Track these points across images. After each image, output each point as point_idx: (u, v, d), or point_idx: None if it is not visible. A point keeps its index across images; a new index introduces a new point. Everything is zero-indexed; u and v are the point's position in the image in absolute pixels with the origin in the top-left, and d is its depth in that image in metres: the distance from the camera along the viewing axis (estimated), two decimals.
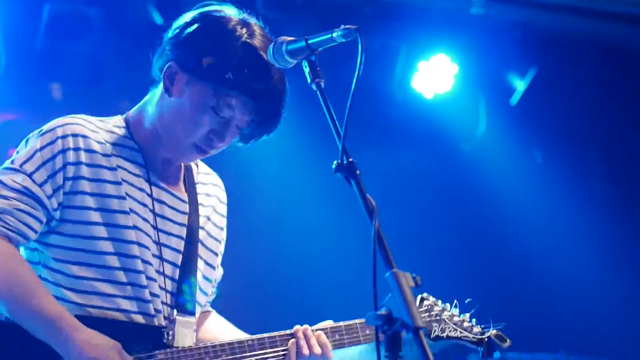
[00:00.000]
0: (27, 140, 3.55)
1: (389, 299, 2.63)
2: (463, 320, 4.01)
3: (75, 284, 3.45)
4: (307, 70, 3.14)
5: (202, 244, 3.74)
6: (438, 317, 3.94)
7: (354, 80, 2.91)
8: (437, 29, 8.36)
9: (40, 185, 3.41)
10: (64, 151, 3.46)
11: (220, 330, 3.91)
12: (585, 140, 9.12)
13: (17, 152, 3.53)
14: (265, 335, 3.67)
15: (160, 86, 3.60)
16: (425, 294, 3.96)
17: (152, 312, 3.51)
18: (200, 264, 3.72)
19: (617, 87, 8.94)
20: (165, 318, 3.54)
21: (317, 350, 3.71)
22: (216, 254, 3.83)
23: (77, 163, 3.46)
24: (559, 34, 8.67)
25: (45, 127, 3.53)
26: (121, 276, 3.47)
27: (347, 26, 3.06)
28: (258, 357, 3.61)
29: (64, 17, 7.38)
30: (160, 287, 3.54)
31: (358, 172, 2.89)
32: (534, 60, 8.67)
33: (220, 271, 3.94)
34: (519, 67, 8.74)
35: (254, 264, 8.12)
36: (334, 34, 3.09)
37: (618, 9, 8.57)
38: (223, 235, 3.90)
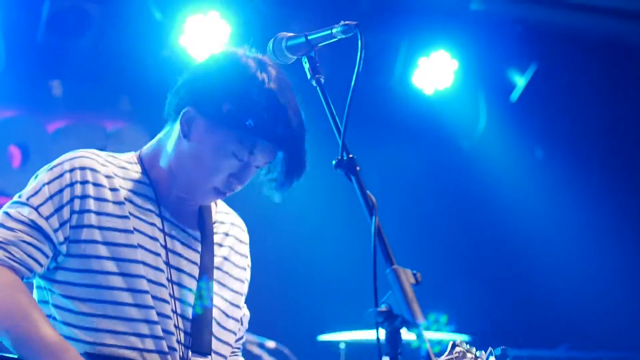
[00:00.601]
0: (36, 175, 3.50)
1: (389, 295, 2.63)
2: None
3: (85, 321, 3.37)
4: (306, 66, 3.13)
5: (221, 284, 3.64)
6: None
7: (354, 77, 2.91)
8: (437, 25, 8.37)
9: (47, 219, 3.36)
10: (71, 184, 3.41)
11: None
12: (585, 137, 9.12)
13: (26, 186, 3.48)
14: None
15: (177, 128, 3.52)
16: (458, 341, 3.77)
17: (166, 349, 3.42)
18: (222, 303, 3.63)
19: (617, 83, 8.95)
20: (180, 358, 3.46)
21: None
22: (240, 294, 3.74)
23: (84, 196, 3.40)
24: (559, 30, 8.67)
25: (55, 162, 3.48)
26: (132, 312, 3.39)
27: (346, 22, 3.05)
28: None
29: (65, 13, 7.37)
30: (175, 326, 3.46)
31: (358, 168, 2.88)
32: (534, 57, 8.67)
33: (245, 312, 3.85)
34: (519, 63, 8.74)
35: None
36: (334, 30, 3.08)
37: (618, 5, 8.57)
38: (246, 275, 3.80)
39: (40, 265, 3.35)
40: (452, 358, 3.75)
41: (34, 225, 3.34)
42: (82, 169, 3.44)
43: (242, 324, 3.82)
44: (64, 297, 3.40)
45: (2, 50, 7.38)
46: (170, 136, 3.58)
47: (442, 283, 7.26)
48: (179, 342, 3.47)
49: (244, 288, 3.79)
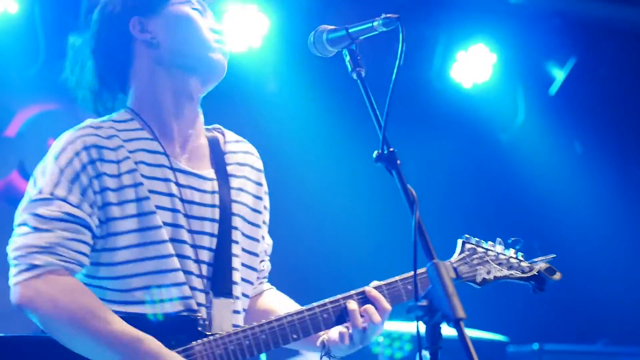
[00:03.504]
0: (43, 168, 3.39)
1: (430, 289, 2.62)
2: (509, 257, 3.81)
3: (120, 296, 3.35)
4: (347, 59, 3.13)
5: (240, 217, 3.59)
6: (483, 259, 3.72)
7: (395, 70, 2.89)
8: (476, 18, 8.34)
9: (79, 207, 3.30)
10: (84, 167, 3.35)
11: (277, 307, 3.72)
12: (625, 131, 9.05)
13: (35, 183, 3.37)
14: (305, 308, 3.47)
15: (139, 55, 3.58)
16: (466, 236, 3.75)
17: (195, 307, 3.40)
18: (241, 238, 3.58)
19: None
20: (204, 306, 3.43)
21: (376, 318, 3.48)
22: (258, 226, 3.66)
23: (98, 175, 3.35)
24: (598, 23, 8.60)
25: (57, 149, 3.40)
26: (161, 279, 3.36)
27: (388, 15, 3.05)
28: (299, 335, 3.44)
29: None
30: (197, 276, 3.43)
31: (399, 162, 2.87)
32: (573, 50, 8.61)
33: (268, 242, 3.79)
34: (558, 57, 8.70)
35: (302, 260, 8.13)
36: (375, 23, 3.08)
37: None
38: (265, 203, 3.74)
39: (88, 256, 3.33)
40: (465, 255, 3.69)
41: (70, 219, 3.29)
42: (86, 148, 3.37)
43: (265, 255, 3.79)
44: (94, 277, 3.37)
45: (41, 43, 7.42)
46: (139, 70, 3.59)
47: None
48: (203, 291, 3.44)
49: (263, 218, 3.72)
